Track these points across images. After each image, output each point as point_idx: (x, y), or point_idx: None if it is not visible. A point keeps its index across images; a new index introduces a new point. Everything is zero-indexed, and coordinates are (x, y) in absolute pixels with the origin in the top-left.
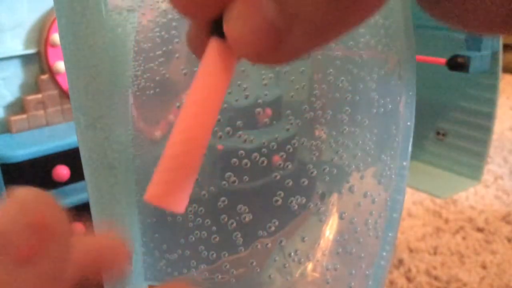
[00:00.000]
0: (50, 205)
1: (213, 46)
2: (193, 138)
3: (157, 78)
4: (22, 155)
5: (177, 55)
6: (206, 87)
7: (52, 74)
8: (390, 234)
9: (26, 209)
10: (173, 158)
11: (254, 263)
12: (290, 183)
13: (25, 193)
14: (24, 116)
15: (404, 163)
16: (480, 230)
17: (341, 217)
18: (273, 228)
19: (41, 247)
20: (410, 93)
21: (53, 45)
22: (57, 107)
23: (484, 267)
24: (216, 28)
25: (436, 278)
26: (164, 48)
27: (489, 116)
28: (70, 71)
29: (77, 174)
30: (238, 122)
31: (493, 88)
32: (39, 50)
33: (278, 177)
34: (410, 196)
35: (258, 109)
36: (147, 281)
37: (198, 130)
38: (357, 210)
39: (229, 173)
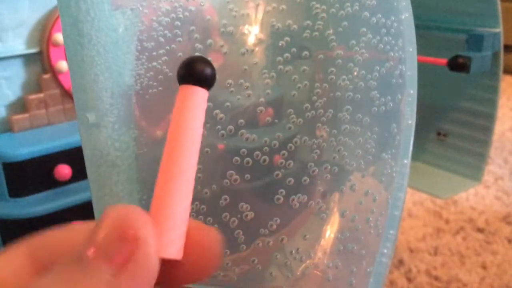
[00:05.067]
0: (144, 221)
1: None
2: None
3: (160, 77)
4: (24, 154)
5: (179, 54)
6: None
7: (54, 73)
8: (391, 232)
9: (120, 223)
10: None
11: (256, 261)
12: (292, 182)
13: (120, 208)
14: (26, 115)
15: (405, 161)
16: (480, 230)
17: (342, 216)
18: (274, 226)
19: (133, 258)
20: (411, 92)
21: (55, 45)
22: (59, 106)
23: (484, 267)
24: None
25: (436, 278)
26: (167, 47)
27: (490, 117)
28: (74, 70)
29: (78, 173)
30: (240, 121)
31: (494, 89)
32: (41, 50)
33: (280, 175)
34: (411, 197)
35: (260, 108)
36: None
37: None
38: (358, 209)
39: (231, 172)
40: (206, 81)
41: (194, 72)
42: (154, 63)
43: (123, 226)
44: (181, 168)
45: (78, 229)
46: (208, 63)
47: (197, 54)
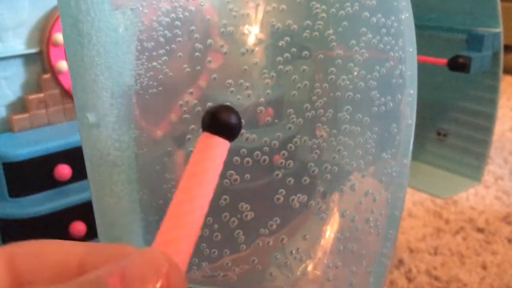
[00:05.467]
0: (178, 272)
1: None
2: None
3: (160, 77)
4: (24, 154)
5: (179, 54)
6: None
7: (54, 73)
8: (391, 231)
9: (157, 269)
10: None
11: (256, 261)
12: (292, 182)
13: (158, 254)
14: (26, 115)
15: (405, 161)
16: (480, 230)
17: (342, 216)
18: (274, 226)
19: None
20: (411, 92)
21: (55, 45)
22: (59, 106)
23: (484, 267)
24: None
25: (436, 278)
26: (167, 47)
27: (490, 117)
28: (74, 70)
29: (78, 173)
30: None
31: (494, 89)
32: (41, 49)
33: (280, 175)
34: (411, 197)
35: (260, 108)
36: None
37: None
38: (358, 209)
39: (231, 172)
40: (230, 133)
41: (218, 122)
42: (154, 63)
43: (158, 269)
44: (189, 221)
45: (65, 246)
46: (235, 114)
47: (226, 103)
